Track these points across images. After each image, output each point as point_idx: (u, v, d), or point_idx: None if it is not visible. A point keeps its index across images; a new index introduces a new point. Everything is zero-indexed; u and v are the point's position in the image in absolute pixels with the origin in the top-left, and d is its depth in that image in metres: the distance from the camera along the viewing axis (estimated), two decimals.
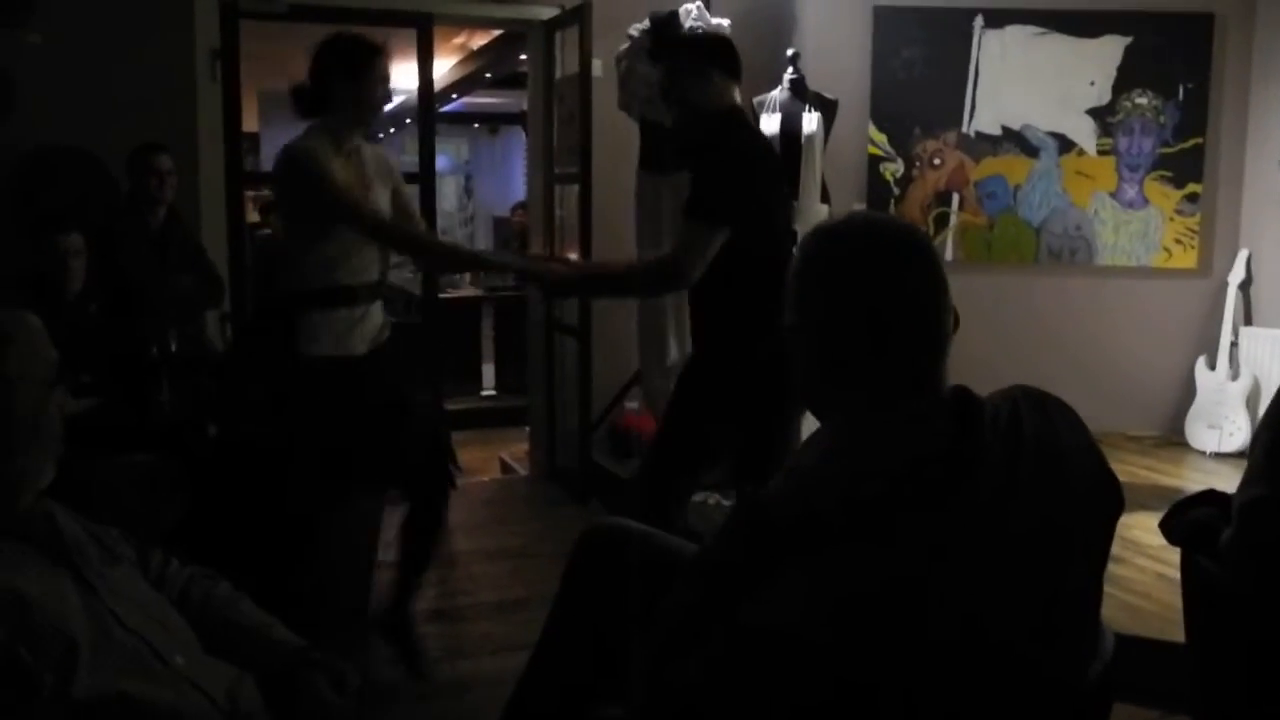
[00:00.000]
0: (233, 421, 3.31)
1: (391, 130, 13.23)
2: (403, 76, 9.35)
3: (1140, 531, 3.44)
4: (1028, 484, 1.22)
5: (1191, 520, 1.82)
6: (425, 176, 5.07)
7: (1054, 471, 1.25)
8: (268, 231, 9.71)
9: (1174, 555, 2.07)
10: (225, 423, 3.30)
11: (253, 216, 7.99)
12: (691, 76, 2.75)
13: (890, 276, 1.27)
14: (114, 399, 3.02)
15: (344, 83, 2.80)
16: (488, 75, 8.60)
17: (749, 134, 2.91)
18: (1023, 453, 1.23)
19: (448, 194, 12.93)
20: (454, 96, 9.83)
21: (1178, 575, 1.92)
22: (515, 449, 5.99)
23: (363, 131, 2.95)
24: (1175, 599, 2.38)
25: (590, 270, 3.51)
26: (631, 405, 5.07)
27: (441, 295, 5.99)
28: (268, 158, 11.85)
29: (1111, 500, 1.31)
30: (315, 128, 2.85)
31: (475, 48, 7.88)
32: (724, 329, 2.72)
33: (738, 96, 2.81)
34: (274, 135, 12.42)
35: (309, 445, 2.76)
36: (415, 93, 5.28)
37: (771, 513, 1.25)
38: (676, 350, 4.54)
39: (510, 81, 8.66)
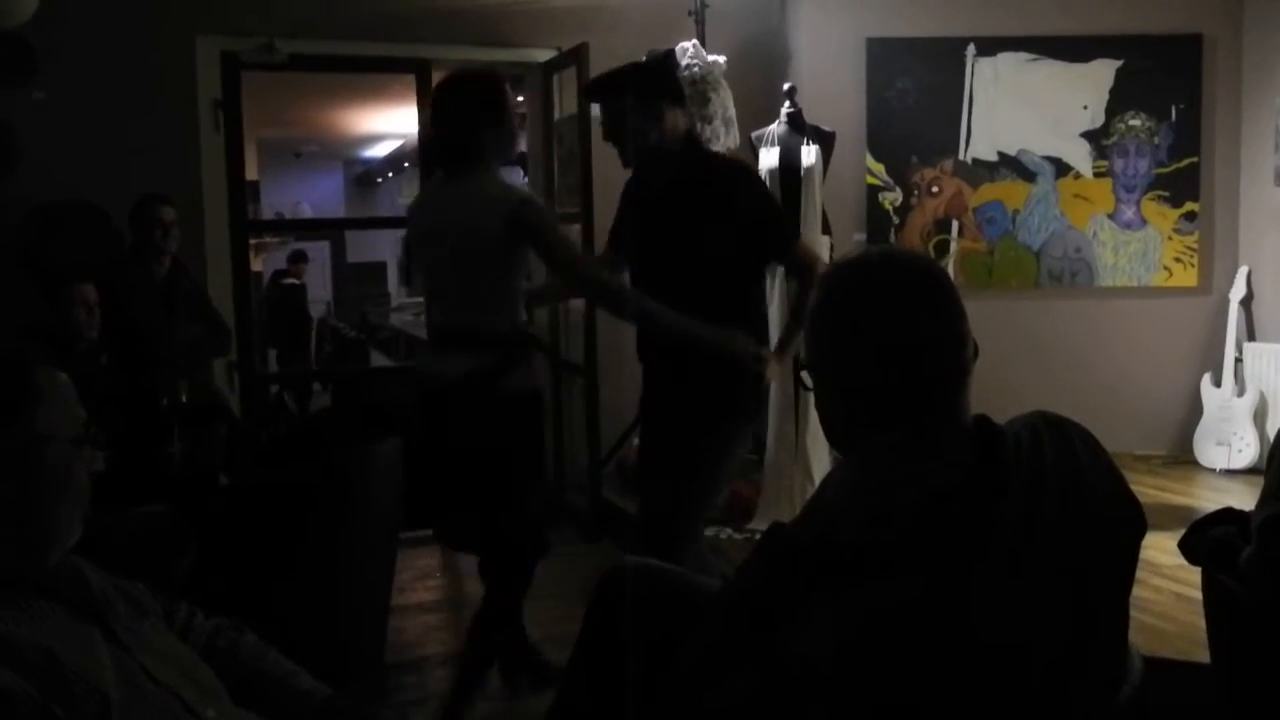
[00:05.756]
0: (245, 469, 3.32)
1: (390, 175, 13.33)
2: (401, 122, 9.43)
3: (1155, 552, 3.40)
4: (1051, 511, 1.22)
5: (1211, 539, 1.82)
6: None
7: (1076, 497, 1.25)
8: (293, 281, 9.72)
9: (1191, 575, 2.06)
10: (238, 471, 3.30)
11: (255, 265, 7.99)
12: (640, 115, 2.65)
13: (905, 310, 1.28)
14: (125, 451, 3.03)
15: (490, 125, 2.65)
16: None
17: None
18: (1045, 480, 1.24)
19: None
20: None
21: (1196, 595, 1.91)
22: None
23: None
24: (1195, 619, 2.37)
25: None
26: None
27: None
28: (268, 206, 11.94)
29: (1134, 522, 1.32)
30: (485, 173, 2.69)
31: None
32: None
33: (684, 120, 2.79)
34: (273, 183, 12.54)
35: (532, 480, 2.87)
36: (414, 137, 5.34)
37: (796, 546, 1.26)
38: None
39: None
